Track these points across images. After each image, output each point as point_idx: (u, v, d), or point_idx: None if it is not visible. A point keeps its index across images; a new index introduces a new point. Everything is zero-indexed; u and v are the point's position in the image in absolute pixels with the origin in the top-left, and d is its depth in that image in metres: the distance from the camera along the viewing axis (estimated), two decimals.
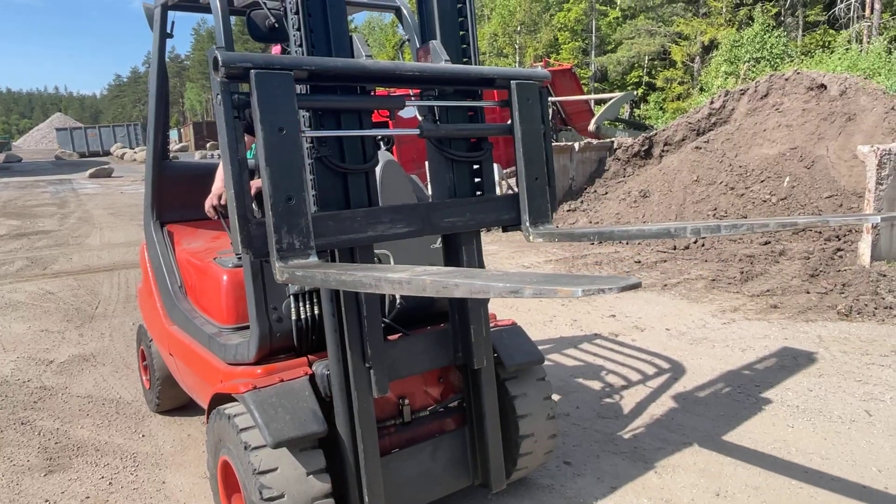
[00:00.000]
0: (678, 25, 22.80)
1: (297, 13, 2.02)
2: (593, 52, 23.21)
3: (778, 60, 16.43)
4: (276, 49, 3.08)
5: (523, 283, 1.11)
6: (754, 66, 16.45)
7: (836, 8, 18.29)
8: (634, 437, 3.43)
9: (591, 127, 12.96)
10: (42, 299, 6.59)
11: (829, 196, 8.37)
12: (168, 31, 3.16)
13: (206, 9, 3.32)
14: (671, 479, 2.99)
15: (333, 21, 2.09)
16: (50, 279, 7.52)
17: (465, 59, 2.45)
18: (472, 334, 2.44)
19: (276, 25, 2.66)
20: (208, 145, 43.71)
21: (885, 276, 6.19)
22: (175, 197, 3.43)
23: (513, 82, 2.29)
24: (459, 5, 2.41)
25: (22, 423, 3.72)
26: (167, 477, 3.12)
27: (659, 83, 24.00)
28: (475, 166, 2.46)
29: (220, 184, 2.83)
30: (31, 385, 4.30)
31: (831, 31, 19.39)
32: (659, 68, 24.42)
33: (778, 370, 4.30)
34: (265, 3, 2.66)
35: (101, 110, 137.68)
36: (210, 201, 2.79)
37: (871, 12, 17.18)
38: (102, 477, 3.13)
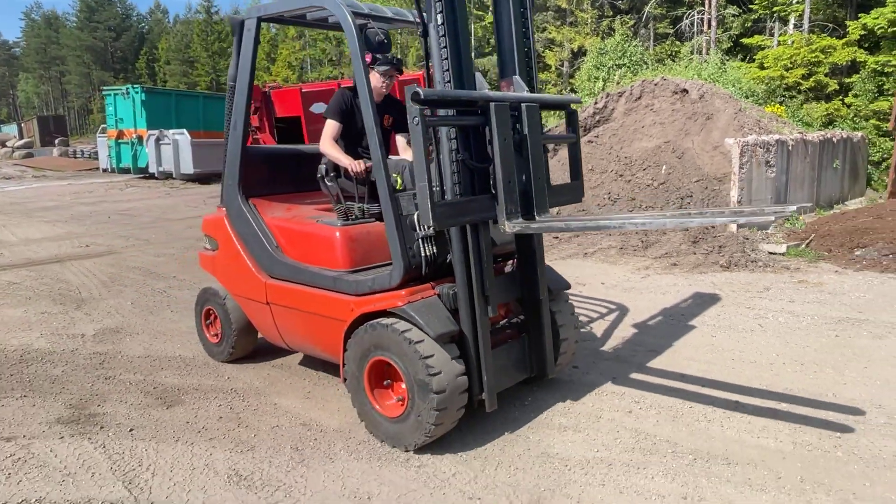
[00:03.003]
0: (550, 33, 25.12)
1: (446, 59, 3.01)
2: (472, 55, 24.86)
3: (637, 67, 18.86)
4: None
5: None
6: (617, 72, 18.77)
7: (682, 23, 21.34)
8: (614, 349, 4.66)
9: None
10: (11, 288, 6.65)
11: (697, 180, 10.28)
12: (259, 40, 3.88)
13: (298, 22, 4.10)
14: (650, 370, 4.24)
15: (466, 66, 3.07)
16: None
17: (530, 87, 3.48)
18: (538, 273, 3.50)
19: (385, 41, 3.54)
20: (57, 141, 40.28)
21: (748, 239, 8.03)
22: (255, 176, 4.12)
23: (571, 105, 3.42)
24: (526, 49, 3.43)
25: (106, 379, 4.21)
26: (276, 400, 3.85)
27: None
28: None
29: (345, 160, 3.65)
30: (83, 352, 4.70)
31: (678, 42, 22.51)
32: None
33: (692, 305, 5.76)
34: (372, 24, 3.55)
35: None
36: (355, 168, 3.59)
37: (709, 28, 20.29)
38: (220, 405, 3.79)
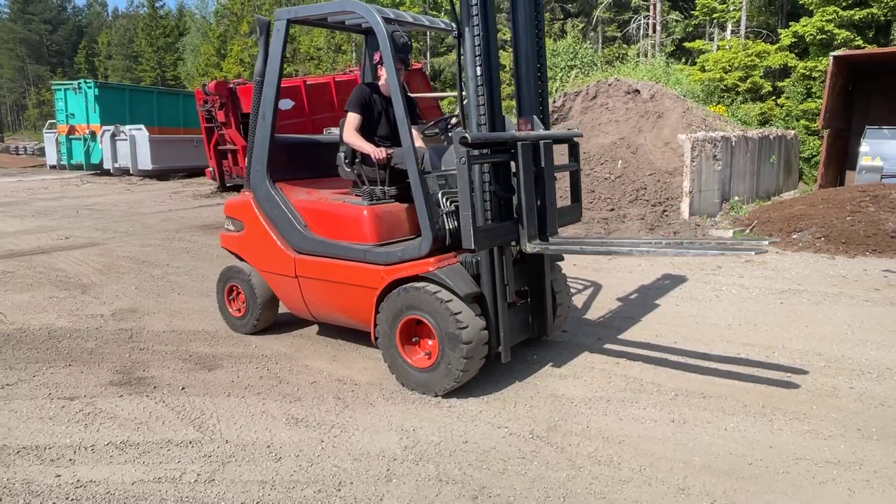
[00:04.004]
0: (502, 34, 25.84)
1: (482, 105, 3.59)
2: (429, 53, 25.42)
3: (588, 68, 19.78)
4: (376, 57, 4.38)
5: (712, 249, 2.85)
6: (569, 73, 19.64)
7: (629, 27, 22.47)
8: (595, 317, 5.29)
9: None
10: (6, 276, 6.80)
11: (650, 174, 11.11)
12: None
13: (321, 24, 4.55)
14: (629, 332, 4.88)
15: (497, 111, 3.67)
16: None
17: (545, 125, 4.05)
18: None
19: (408, 42, 4.04)
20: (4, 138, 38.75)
21: (699, 225, 8.86)
22: (280, 162, 4.55)
23: (575, 139, 4.08)
24: (541, 91, 3.99)
25: (140, 350, 4.56)
26: (306, 363, 4.30)
27: None
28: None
29: (369, 148, 4.12)
30: (107, 329, 5.02)
31: (625, 45, 23.65)
32: None
33: (656, 280, 6.47)
34: (397, 28, 4.05)
35: None
36: (378, 154, 4.06)
37: (654, 32, 21.46)
38: (257, 368, 4.22)
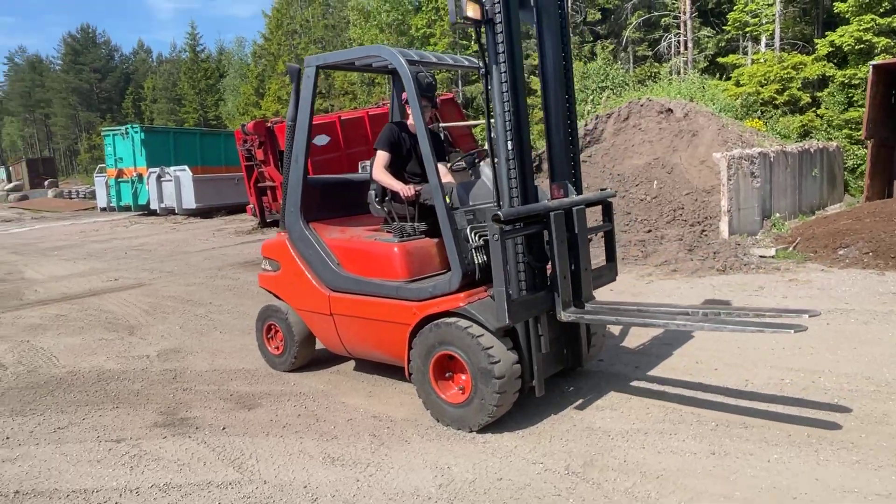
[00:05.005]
0: (533, 59, 26.08)
1: (514, 178, 3.62)
2: (460, 82, 25.74)
3: (620, 89, 19.73)
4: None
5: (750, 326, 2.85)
6: (601, 94, 19.62)
7: (660, 45, 22.39)
8: (632, 344, 5.22)
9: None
10: (59, 320, 7.09)
11: (687, 193, 10.96)
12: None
13: (348, 67, 4.68)
14: (667, 359, 4.80)
15: (530, 184, 3.72)
16: (40, 306, 7.88)
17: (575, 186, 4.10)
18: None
19: (432, 83, 4.14)
20: (47, 182, 40.55)
21: (739, 244, 8.67)
22: (312, 203, 4.67)
23: (608, 199, 4.12)
24: (572, 155, 4.04)
25: (184, 390, 4.69)
26: (343, 399, 4.36)
27: None
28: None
29: (398, 185, 4.21)
30: (153, 370, 5.18)
31: (656, 63, 23.53)
32: None
33: (696, 303, 6.34)
34: (422, 69, 4.15)
35: None
36: (407, 192, 4.14)
37: (686, 49, 21.32)
38: (295, 406, 4.29)
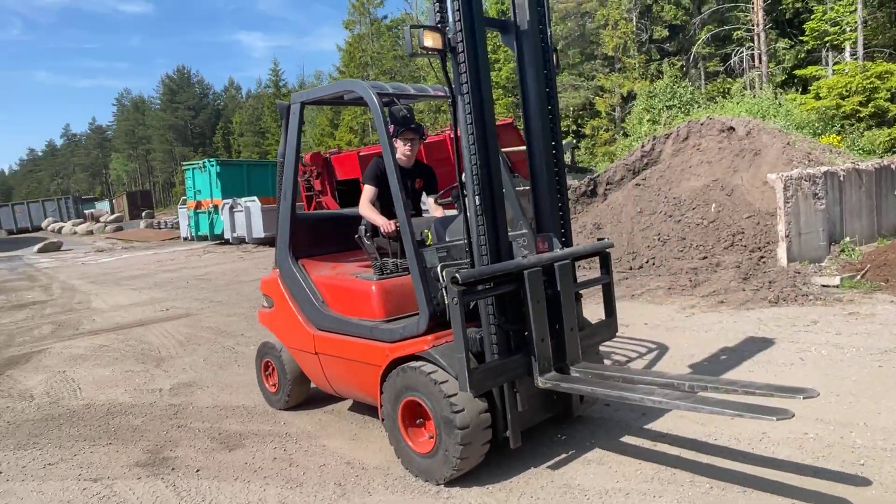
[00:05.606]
0: (599, 80, 25.61)
1: (483, 235, 3.39)
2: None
3: (688, 107, 18.92)
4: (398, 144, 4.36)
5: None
6: (669, 113, 18.88)
7: (731, 60, 21.36)
8: None
9: None
10: (101, 350, 7.39)
11: (749, 217, 10.22)
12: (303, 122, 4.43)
13: (336, 102, 4.63)
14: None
15: (503, 235, 3.48)
16: (91, 336, 8.27)
17: (563, 238, 3.84)
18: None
19: (408, 115, 4.00)
20: (143, 214, 43.43)
21: (799, 273, 7.94)
22: (303, 239, 4.62)
23: (606, 250, 3.88)
24: (560, 205, 3.80)
25: (178, 427, 4.70)
26: (325, 443, 4.22)
27: (587, 131, 26.79)
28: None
29: (380, 220, 4.07)
30: (160, 405, 5.25)
31: (729, 79, 22.45)
32: (585, 118, 27.21)
33: (734, 341, 5.80)
34: (399, 100, 4.02)
35: (12, 186, 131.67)
36: (386, 228, 4.01)
37: (760, 62, 20.20)
38: (275, 448, 4.19)
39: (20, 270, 19.38)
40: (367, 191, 4.36)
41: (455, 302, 3.12)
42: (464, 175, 3.53)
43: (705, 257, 9.66)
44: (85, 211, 48.65)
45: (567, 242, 3.87)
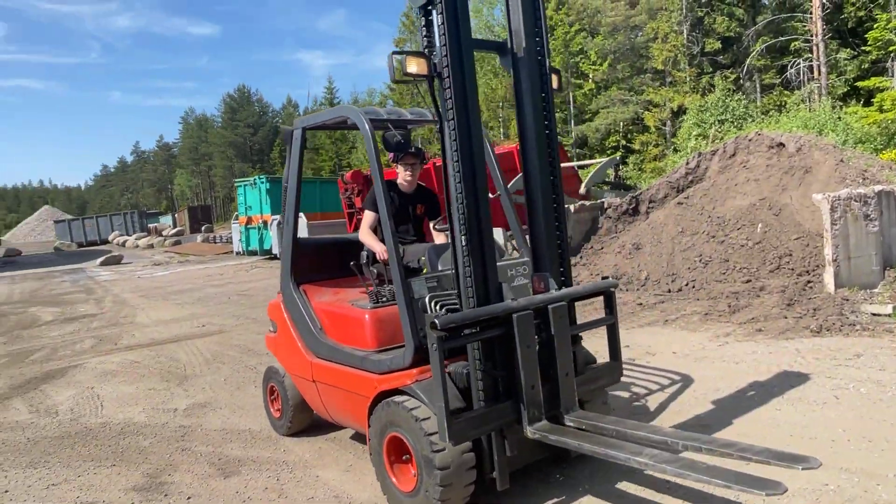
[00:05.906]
0: (648, 94, 25.01)
1: (470, 287, 3.24)
2: (572, 122, 25.20)
3: (741, 121, 18.23)
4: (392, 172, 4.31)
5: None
6: (720, 128, 18.23)
7: (788, 72, 20.49)
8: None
9: (582, 190, 14.36)
10: (132, 367, 7.58)
11: (797, 238, 9.68)
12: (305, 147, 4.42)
13: (339, 127, 4.61)
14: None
15: (491, 275, 3.33)
16: (126, 352, 8.51)
17: (563, 277, 3.68)
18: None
19: (402, 141, 3.93)
20: (203, 228, 44.93)
21: (847, 300, 7.43)
22: (305, 265, 4.59)
23: (606, 292, 3.68)
24: (559, 242, 3.66)
25: (183, 450, 4.72)
26: (319, 473, 4.14)
27: (636, 146, 26.18)
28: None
29: (378, 247, 4.00)
30: (171, 426, 5.30)
31: (786, 91, 21.54)
32: (634, 133, 26.62)
33: (766, 375, 5.44)
34: (391, 126, 3.96)
35: (87, 201, 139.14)
36: (382, 255, 3.94)
37: (819, 74, 19.30)
38: (269, 477, 4.14)
39: (81, 283, 20.30)
40: (367, 217, 4.31)
41: (434, 348, 2.97)
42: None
43: (748, 280, 9.19)
44: (149, 225, 50.86)
45: (566, 282, 3.68)
